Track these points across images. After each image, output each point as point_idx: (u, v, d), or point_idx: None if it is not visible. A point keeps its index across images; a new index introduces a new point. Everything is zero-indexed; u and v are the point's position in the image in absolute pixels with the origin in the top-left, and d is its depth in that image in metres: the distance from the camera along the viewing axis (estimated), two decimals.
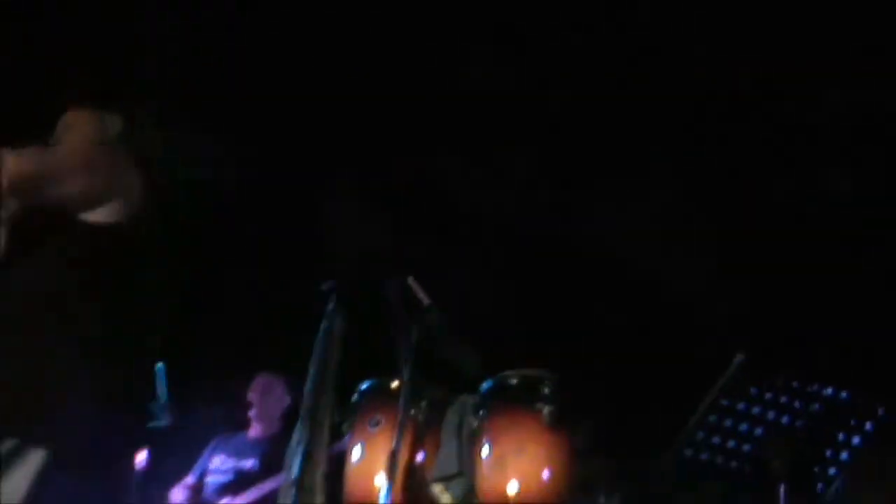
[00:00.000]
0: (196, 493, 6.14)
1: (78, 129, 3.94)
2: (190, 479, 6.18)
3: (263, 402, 6.22)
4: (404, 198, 6.27)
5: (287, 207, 6.49)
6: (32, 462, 3.48)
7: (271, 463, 5.92)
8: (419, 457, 4.29)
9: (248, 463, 6.09)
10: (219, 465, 6.13)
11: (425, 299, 4.37)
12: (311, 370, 4.61)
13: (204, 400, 6.34)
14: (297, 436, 4.52)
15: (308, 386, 4.61)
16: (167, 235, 3.90)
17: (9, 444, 3.49)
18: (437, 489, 4.25)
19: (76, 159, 3.77)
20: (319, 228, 6.30)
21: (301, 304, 4.79)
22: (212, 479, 6.08)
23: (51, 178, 3.68)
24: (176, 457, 6.16)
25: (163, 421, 5.82)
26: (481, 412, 4.27)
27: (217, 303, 6.63)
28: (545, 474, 4.10)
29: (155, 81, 5.92)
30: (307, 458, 4.45)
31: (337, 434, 4.49)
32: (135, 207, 3.77)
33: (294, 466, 4.49)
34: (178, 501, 6.09)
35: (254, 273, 6.63)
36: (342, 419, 4.47)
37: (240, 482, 5.99)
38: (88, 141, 3.88)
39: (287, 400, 6.19)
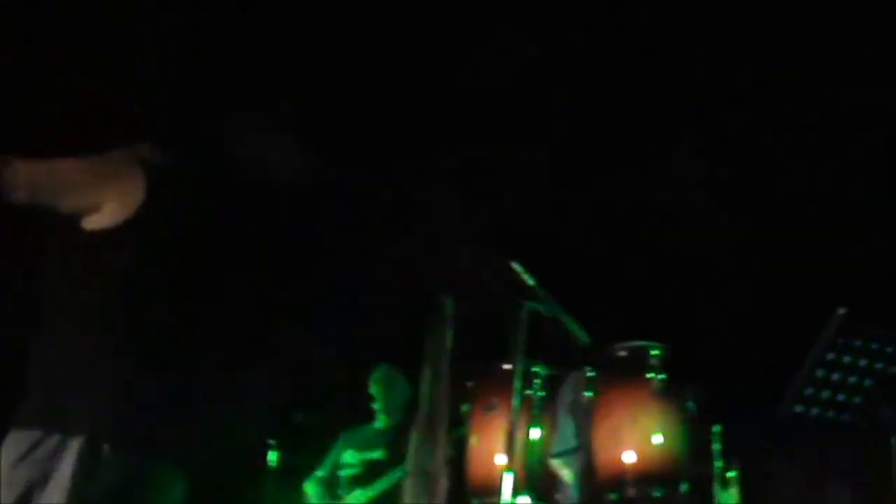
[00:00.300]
0: (329, 486, 6.32)
1: None
2: (321, 473, 6.36)
3: (386, 394, 6.35)
4: (498, 184, 6.36)
5: (389, 205, 6.63)
6: (73, 449, 3.67)
7: (397, 452, 6.07)
8: (537, 434, 4.40)
9: (376, 454, 6.25)
10: (349, 458, 6.30)
11: (529, 280, 4.47)
12: (426, 359, 4.77)
13: (328, 395, 6.51)
14: (419, 424, 4.68)
15: (424, 375, 4.78)
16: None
17: (54, 439, 3.71)
18: (556, 464, 4.36)
19: (76, 168, 3.88)
20: (420, 223, 6.43)
21: (413, 295, 4.93)
22: (343, 473, 6.26)
23: (51, 186, 3.80)
24: (307, 452, 6.36)
25: (295, 418, 6.04)
26: (593, 386, 4.37)
27: (328, 298, 6.80)
28: (659, 442, 4.19)
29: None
30: (430, 444, 4.61)
31: (457, 419, 4.62)
32: (133, 211, 3.88)
33: (418, 453, 4.66)
34: (312, 496, 6.28)
35: (359, 270, 6.78)
36: (460, 404, 4.60)
37: (368, 474, 6.15)
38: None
39: (407, 390, 6.32)
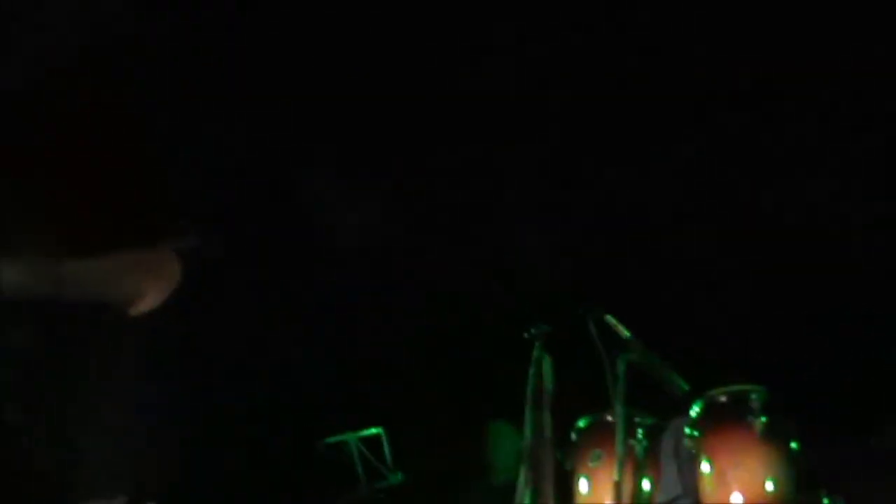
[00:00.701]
0: None
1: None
2: None
3: (497, 450, 6.43)
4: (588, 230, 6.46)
5: (485, 259, 6.75)
6: None
7: None
8: (644, 484, 4.49)
9: None
10: None
11: (624, 333, 4.58)
12: (527, 412, 4.87)
13: (429, 456, 6.64)
14: (523, 476, 4.78)
15: (526, 428, 4.88)
16: None
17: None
18: None
19: (124, 265, 4.11)
20: (514, 270, 6.55)
21: (509, 351, 5.04)
22: None
23: (102, 282, 4.03)
24: None
25: (392, 479, 6.18)
26: (695, 432, 4.45)
27: (431, 360, 6.94)
28: (767, 484, 4.26)
29: None
30: (535, 497, 4.71)
31: (560, 470, 4.72)
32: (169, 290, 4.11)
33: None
34: None
35: (460, 324, 6.91)
36: (563, 456, 4.71)
37: None
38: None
39: (515, 441, 6.40)
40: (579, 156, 6.34)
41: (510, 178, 6.80)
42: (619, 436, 4.44)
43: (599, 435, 4.62)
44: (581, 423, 4.76)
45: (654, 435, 4.59)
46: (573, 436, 4.76)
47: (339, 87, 6.57)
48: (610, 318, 4.64)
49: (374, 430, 6.08)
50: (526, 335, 4.90)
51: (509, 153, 6.74)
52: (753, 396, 4.39)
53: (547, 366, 4.90)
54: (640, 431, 4.56)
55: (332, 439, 6.23)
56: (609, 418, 4.62)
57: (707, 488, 4.35)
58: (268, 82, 6.84)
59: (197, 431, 6.15)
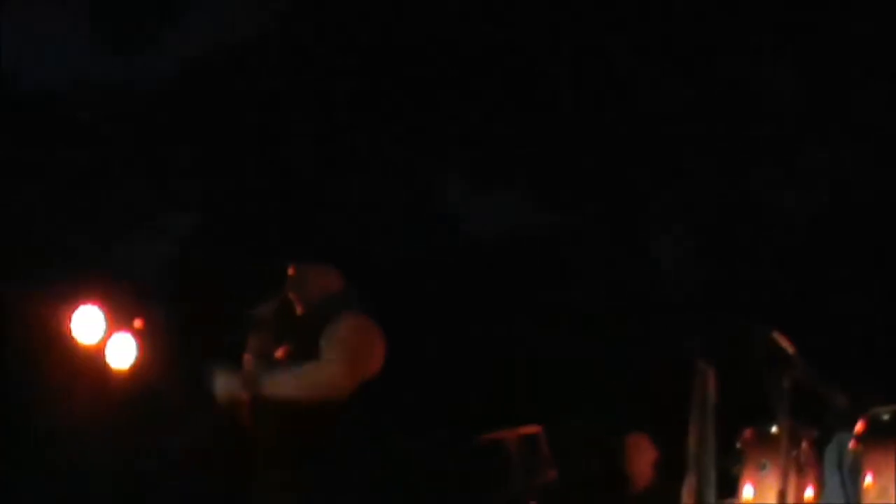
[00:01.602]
0: None
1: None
2: None
3: (634, 460, 6.67)
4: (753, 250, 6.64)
5: (645, 273, 6.97)
6: None
7: None
8: (809, 493, 4.73)
9: None
10: None
11: (790, 349, 4.83)
12: (691, 423, 5.13)
13: (582, 457, 6.89)
14: (688, 485, 5.04)
15: (690, 438, 5.14)
16: None
17: None
18: None
19: (341, 372, 4.53)
20: (679, 292, 6.77)
21: (674, 361, 5.27)
22: None
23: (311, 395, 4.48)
24: None
25: (546, 479, 6.43)
26: (858, 447, 4.67)
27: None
28: None
29: None
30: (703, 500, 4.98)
31: (725, 480, 4.98)
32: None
33: None
34: None
35: (622, 333, 7.12)
36: (729, 465, 4.96)
37: None
38: (351, 347, 4.58)
39: (653, 453, 6.64)
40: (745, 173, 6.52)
41: (661, 187, 7.03)
42: (783, 447, 4.72)
43: (764, 445, 4.85)
44: (747, 434, 5.00)
45: (817, 447, 4.82)
46: (738, 445, 5.00)
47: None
48: (775, 335, 4.88)
49: (531, 428, 6.30)
50: (688, 347, 5.16)
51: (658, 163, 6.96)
52: None
53: (710, 377, 5.16)
54: (803, 443, 4.81)
55: (488, 436, 6.46)
56: (773, 430, 4.85)
57: (870, 501, 4.56)
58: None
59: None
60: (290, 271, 4.87)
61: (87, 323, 6.62)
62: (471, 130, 8.00)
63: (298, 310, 4.85)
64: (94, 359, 6.23)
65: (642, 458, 6.68)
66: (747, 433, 4.99)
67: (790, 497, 4.66)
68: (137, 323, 7.37)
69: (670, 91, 7.21)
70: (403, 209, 8.22)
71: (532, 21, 7.76)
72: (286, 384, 4.56)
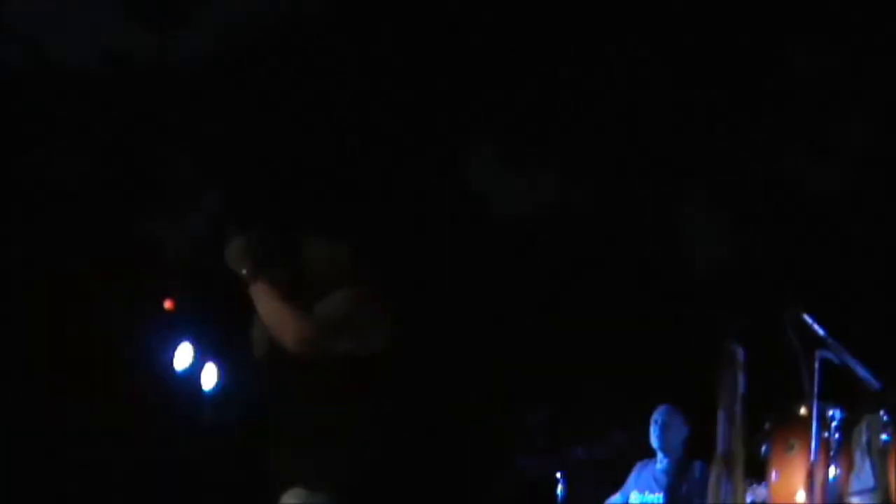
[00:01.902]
0: None
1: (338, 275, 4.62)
2: (618, 500, 6.74)
3: (665, 433, 6.67)
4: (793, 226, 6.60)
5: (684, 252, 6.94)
6: None
7: (675, 492, 6.43)
8: (834, 474, 4.72)
9: (655, 498, 6.60)
10: (633, 499, 6.67)
11: (821, 331, 4.82)
12: (720, 403, 5.13)
13: (611, 429, 6.91)
14: (716, 464, 5.04)
15: (719, 417, 5.14)
16: None
17: (297, 491, 4.34)
18: (855, 502, 4.67)
19: (350, 313, 4.49)
20: (712, 272, 6.75)
21: (702, 341, 5.28)
22: None
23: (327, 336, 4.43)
24: (593, 484, 6.77)
25: (576, 453, 6.47)
26: (889, 429, 4.66)
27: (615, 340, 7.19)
28: None
29: None
30: (728, 482, 4.98)
31: (753, 460, 4.98)
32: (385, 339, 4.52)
33: (716, 491, 5.03)
34: None
35: (651, 315, 7.13)
36: (757, 445, 4.96)
37: None
38: (356, 295, 4.55)
39: (685, 429, 6.64)
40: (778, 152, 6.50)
41: (699, 169, 7.00)
42: (813, 428, 4.71)
43: (793, 427, 4.85)
44: (775, 415, 4.99)
45: (847, 429, 4.80)
46: (766, 426, 4.99)
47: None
48: (806, 316, 4.87)
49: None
50: (719, 328, 5.16)
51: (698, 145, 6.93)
52: None
53: (740, 358, 5.15)
54: (833, 425, 4.80)
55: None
56: (802, 411, 4.84)
57: None
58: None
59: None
60: (301, 246, 4.88)
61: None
62: (501, 109, 7.99)
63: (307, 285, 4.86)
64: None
65: (674, 431, 6.66)
66: (775, 414, 4.99)
67: (818, 478, 4.65)
68: (168, 303, 7.45)
69: (705, 70, 7.18)
70: (432, 190, 8.24)
71: None
72: (264, 303, 4.50)
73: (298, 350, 4.40)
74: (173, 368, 7.45)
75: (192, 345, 7.48)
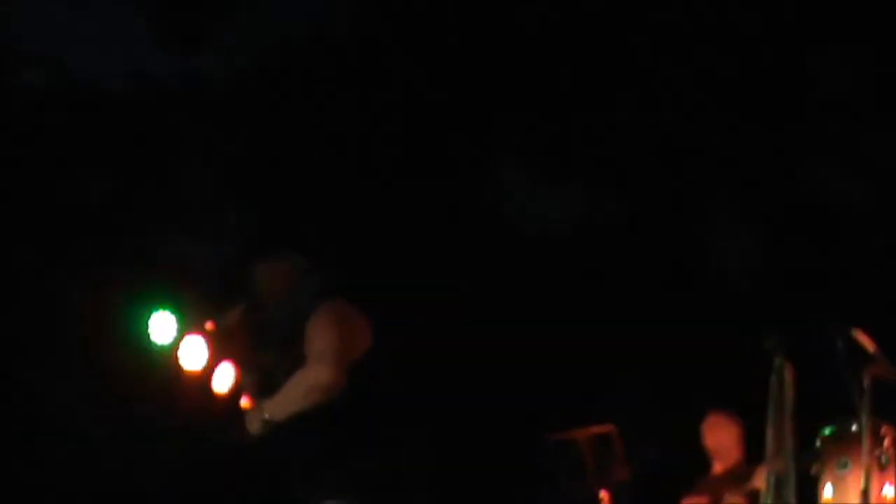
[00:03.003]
0: None
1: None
2: None
3: (716, 441, 6.60)
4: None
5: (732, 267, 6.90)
6: None
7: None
8: (888, 491, 4.71)
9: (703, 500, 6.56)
10: None
11: (871, 347, 4.81)
12: (770, 420, 5.12)
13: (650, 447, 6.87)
14: (768, 482, 5.03)
15: (768, 435, 5.13)
16: None
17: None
18: None
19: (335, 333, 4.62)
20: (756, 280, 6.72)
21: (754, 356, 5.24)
22: None
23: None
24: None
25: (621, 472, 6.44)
26: None
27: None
28: None
29: None
30: (780, 500, 4.97)
31: (804, 476, 4.97)
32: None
33: None
34: None
35: (697, 329, 7.08)
36: (809, 463, 4.95)
37: None
38: (330, 341, 4.63)
39: (736, 427, 6.56)
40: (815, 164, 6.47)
41: (731, 180, 6.99)
42: (864, 445, 4.70)
43: (845, 443, 4.84)
44: (827, 432, 4.98)
45: None
46: (818, 443, 4.98)
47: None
48: (855, 332, 4.86)
49: (603, 427, 6.29)
50: (767, 345, 5.14)
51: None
52: None
53: (788, 375, 5.14)
54: (885, 441, 4.78)
55: (559, 435, 6.45)
56: (854, 428, 4.83)
57: None
58: None
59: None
60: (256, 270, 4.92)
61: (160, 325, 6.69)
62: (528, 121, 7.99)
63: (270, 307, 4.91)
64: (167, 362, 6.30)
65: (723, 434, 6.59)
66: (827, 430, 4.98)
67: (873, 496, 4.63)
68: (209, 325, 7.43)
69: (733, 79, 7.17)
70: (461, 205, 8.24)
71: (588, 5, 7.74)
72: (285, 404, 4.65)
73: (337, 389, 4.46)
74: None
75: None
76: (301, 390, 4.59)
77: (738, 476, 6.39)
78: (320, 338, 4.63)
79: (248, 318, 5.01)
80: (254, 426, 4.75)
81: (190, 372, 6.93)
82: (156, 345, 6.57)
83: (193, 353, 6.90)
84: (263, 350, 5.01)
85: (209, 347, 6.92)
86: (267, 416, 4.66)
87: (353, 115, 8.17)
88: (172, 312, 6.39)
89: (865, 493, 4.62)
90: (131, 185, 8.13)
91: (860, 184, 6.60)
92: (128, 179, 8.32)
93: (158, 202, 8.07)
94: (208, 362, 7.15)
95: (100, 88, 8.43)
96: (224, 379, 7.86)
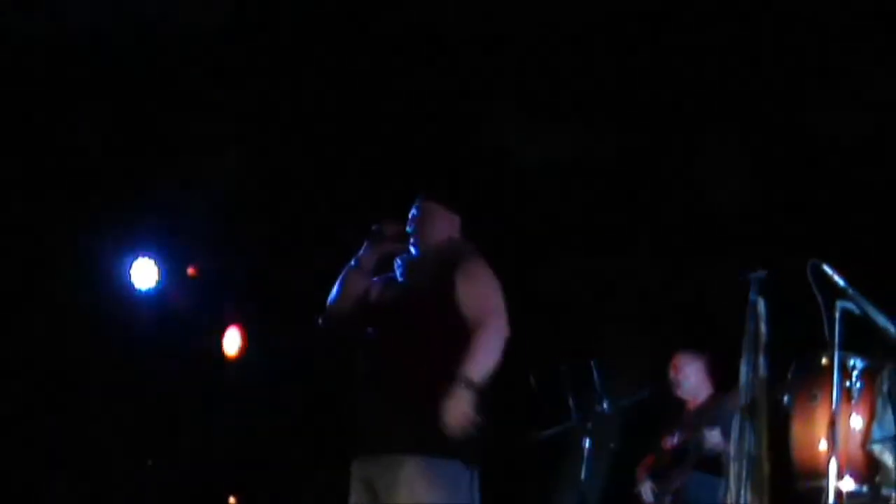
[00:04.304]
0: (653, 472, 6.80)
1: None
2: (650, 461, 6.83)
3: (683, 379, 6.74)
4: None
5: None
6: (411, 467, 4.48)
7: (698, 433, 6.51)
8: (857, 423, 4.79)
9: (676, 438, 6.70)
10: (664, 443, 6.77)
11: (841, 282, 4.87)
12: (743, 353, 5.20)
13: (637, 383, 6.97)
14: (742, 412, 5.12)
15: (742, 367, 5.21)
16: None
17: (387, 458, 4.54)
18: (877, 450, 4.74)
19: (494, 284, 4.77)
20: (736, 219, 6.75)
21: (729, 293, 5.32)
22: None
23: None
24: (618, 438, 6.85)
25: (601, 407, 6.54)
26: None
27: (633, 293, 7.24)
28: None
29: None
30: (752, 431, 5.05)
31: (776, 408, 5.05)
32: None
33: (741, 440, 5.11)
34: (642, 479, 6.78)
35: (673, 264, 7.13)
36: (780, 395, 5.03)
37: (678, 457, 6.61)
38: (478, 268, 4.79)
39: (705, 372, 6.69)
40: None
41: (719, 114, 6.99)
42: (835, 377, 4.78)
43: (815, 377, 4.91)
44: (797, 365, 5.06)
45: (868, 377, 4.87)
46: (789, 377, 5.06)
47: None
48: (826, 267, 4.92)
49: (584, 362, 6.39)
50: (741, 279, 5.21)
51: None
52: None
53: (762, 309, 5.21)
54: (855, 374, 4.86)
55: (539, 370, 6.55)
56: (824, 361, 4.90)
57: None
58: None
59: None
60: (418, 208, 5.01)
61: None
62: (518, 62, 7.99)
63: (420, 248, 4.97)
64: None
65: (690, 372, 6.72)
66: (797, 363, 5.06)
67: (841, 427, 4.72)
68: (191, 270, 7.54)
69: (722, 23, 7.17)
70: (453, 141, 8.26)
71: None
72: (487, 365, 4.62)
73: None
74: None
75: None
76: (497, 347, 4.62)
77: (710, 409, 6.52)
78: (495, 291, 4.72)
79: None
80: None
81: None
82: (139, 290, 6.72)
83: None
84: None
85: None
86: (474, 378, 4.55)
87: (343, 55, 8.18)
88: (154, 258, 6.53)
89: (832, 425, 4.70)
90: (120, 129, 8.18)
91: (846, 119, 6.59)
92: (117, 124, 8.36)
93: (146, 147, 8.12)
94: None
95: (90, 33, 8.43)
96: (232, 343, 8.05)
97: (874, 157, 6.65)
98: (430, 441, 4.50)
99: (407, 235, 4.97)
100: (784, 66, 6.94)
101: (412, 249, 4.97)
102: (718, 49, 7.07)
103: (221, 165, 8.48)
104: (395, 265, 5.01)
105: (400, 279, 4.98)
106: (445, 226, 4.98)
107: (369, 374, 4.79)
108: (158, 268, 7.91)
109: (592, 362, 6.38)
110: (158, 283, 7.84)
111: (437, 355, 4.62)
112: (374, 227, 4.98)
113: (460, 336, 4.61)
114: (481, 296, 4.71)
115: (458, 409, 4.47)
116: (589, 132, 7.70)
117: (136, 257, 7.78)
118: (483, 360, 4.57)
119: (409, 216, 5.02)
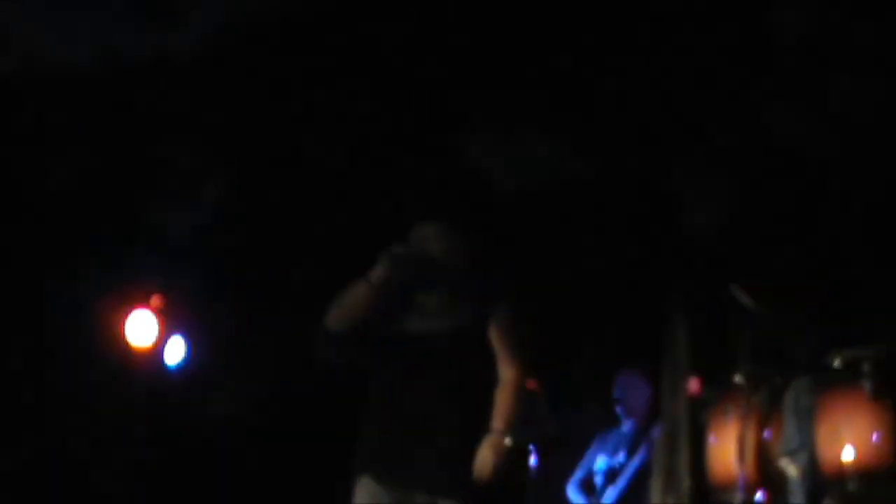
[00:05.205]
0: (587, 487, 6.97)
1: None
2: (579, 475, 7.01)
3: (627, 398, 6.91)
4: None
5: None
6: None
7: (635, 454, 6.69)
8: (766, 436, 5.02)
9: (619, 458, 6.87)
10: (599, 463, 6.94)
11: (750, 303, 5.11)
12: (664, 373, 5.45)
13: (581, 403, 7.17)
14: (664, 430, 5.36)
15: (664, 388, 5.46)
16: None
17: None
18: (783, 462, 4.96)
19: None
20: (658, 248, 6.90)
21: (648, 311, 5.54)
22: (596, 478, 6.91)
23: None
24: (566, 457, 7.04)
25: (547, 428, 6.75)
26: (813, 392, 4.95)
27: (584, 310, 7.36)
28: (875, 439, 4.73)
29: None
30: (673, 449, 5.29)
31: (696, 424, 5.28)
32: None
33: (663, 457, 5.35)
34: (572, 496, 6.96)
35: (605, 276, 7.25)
36: (697, 410, 5.27)
37: (614, 477, 6.79)
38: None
39: (648, 392, 6.85)
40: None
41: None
42: (746, 394, 5.02)
43: (728, 393, 5.15)
44: (711, 382, 5.30)
45: (777, 392, 5.09)
46: (705, 393, 5.30)
47: None
48: (737, 289, 5.16)
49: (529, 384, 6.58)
50: (664, 298, 5.46)
51: None
52: (865, 362, 4.84)
53: (683, 327, 5.45)
54: (765, 389, 5.09)
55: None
56: (737, 378, 5.14)
57: (823, 443, 4.84)
58: None
59: None
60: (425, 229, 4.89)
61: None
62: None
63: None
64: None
65: (635, 395, 6.87)
66: (711, 381, 5.29)
67: (749, 441, 4.95)
68: (155, 300, 7.68)
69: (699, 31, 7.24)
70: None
71: None
72: (516, 413, 4.72)
73: None
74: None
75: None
76: (519, 396, 4.74)
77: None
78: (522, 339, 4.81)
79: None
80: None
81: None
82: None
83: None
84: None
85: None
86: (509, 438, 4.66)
87: (326, 83, 8.31)
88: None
89: (741, 439, 4.93)
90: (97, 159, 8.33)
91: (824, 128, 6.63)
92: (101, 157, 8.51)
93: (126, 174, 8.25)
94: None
95: (68, 68, 8.62)
96: (175, 353, 8.14)
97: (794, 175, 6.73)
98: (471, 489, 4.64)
99: (426, 262, 4.81)
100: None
101: None
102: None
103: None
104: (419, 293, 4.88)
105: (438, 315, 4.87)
106: None
107: (415, 416, 4.72)
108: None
109: (537, 388, 6.59)
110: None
111: (483, 405, 4.71)
112: (395, 249, 4.78)
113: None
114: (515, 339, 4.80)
115: (498, 459, 4.61)
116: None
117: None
118: (513, 409, 4.68)
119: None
